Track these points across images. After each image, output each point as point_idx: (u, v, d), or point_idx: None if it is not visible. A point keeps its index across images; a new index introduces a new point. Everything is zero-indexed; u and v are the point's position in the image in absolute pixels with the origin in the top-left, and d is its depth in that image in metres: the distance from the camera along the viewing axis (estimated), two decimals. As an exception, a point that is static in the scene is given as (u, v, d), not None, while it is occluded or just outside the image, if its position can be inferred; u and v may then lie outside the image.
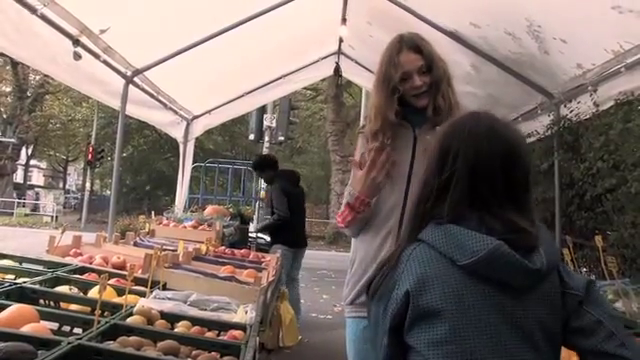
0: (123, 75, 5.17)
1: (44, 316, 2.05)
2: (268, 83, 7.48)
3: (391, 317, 1.44)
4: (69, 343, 1.69)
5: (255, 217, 8.71)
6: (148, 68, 5.39)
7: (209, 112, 7.52)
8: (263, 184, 13.96)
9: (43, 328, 1.91)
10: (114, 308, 2.33)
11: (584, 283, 1.48)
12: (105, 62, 4.73)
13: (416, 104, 2.31)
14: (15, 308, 1.97)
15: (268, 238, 7.52)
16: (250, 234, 7.52)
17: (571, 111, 4.56)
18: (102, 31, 4.32)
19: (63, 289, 2.62)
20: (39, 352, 1.60)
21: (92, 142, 27.23)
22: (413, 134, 2.32)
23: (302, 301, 7.13)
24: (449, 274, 1.40)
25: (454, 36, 4.89)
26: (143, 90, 5.73)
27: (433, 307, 1.37)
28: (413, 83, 2.28)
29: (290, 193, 6.74)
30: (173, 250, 4.06)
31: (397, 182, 2.27)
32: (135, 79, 5.38)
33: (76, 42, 4.08)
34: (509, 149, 1.50)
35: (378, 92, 2.36)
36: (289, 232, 6.68)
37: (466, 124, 1.56)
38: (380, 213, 2.31)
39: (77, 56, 4.10)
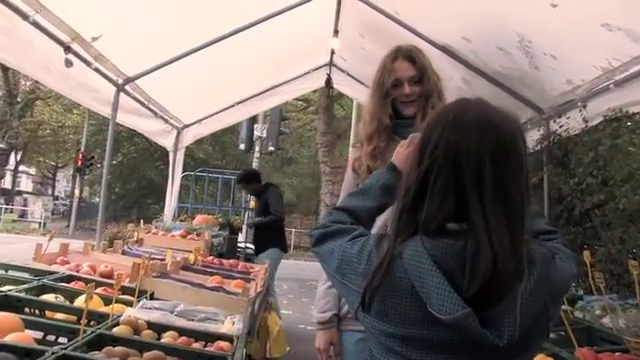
0: (114, 83, 5.16)
1: (29, 325, 2.03)
2: (259, 93, 7.48)
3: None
4: (53, 353, 1.67)
5: (244, 227, 8.69)
6: (139, 76, 5.37)
7: (200, 121, 7.50)
8: (253, 194, 13.94)
9: (27, 337, 1.90)
10: (100, 317, 2.31)
11: None
12: (96, 69, 4.71)
13: (404, 111, 2.38)
14: (-1, 317, 1.95)
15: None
16: (239, 244, 7.50)
17: (561, 126, 4.59)
18: (94, 38, 4.31)
19: (49, 297, 2.59)
20: (23, 362, 1.58)
21: (82, 149, 27.10)
22: None
23: (289, 312, 7.12)
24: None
25: (446, 50, 4.92)
26: (134, 98, 5.72)
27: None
28: (403, 90, 2.35)
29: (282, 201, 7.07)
30: (161, 259, 4.05)
31: None
32: (126, 87, 5.36)
33: (67, 49, 4.07)
34: (502, 141, 1.28)
35: (373, 96, 2.44)
36: (283, 237, 7.06)
37: (451, 110, 1.35)
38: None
39: (69, 63, 4.09)
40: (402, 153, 1.73)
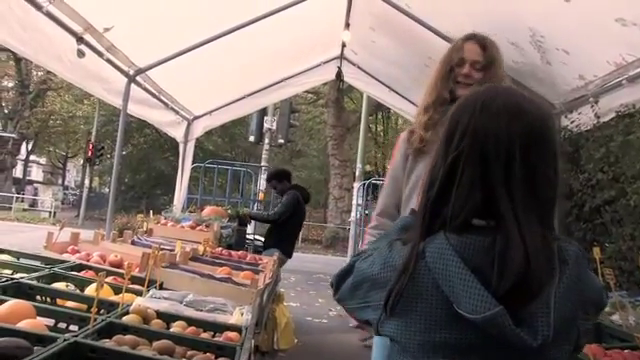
0: (126, 74, 5.18)
1: (40, 312, 2.04)
2: (270, 85, 7.48)
3: None
4: (65, 340, 1.69)
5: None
6: (150, 67, 5.40)
7: (210, 113, 7.51)
8: (261, 185, 13.97)
9: (39, 324, 1.91)
10: (110, 306, 2.33)
11: None
12: (108, 60, 4.74)
13: (457, 91, 2.41)
14: (12, 303, 1.97)
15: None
16: (247, 236, 7.53)
17: (572, 122, 4.56)
18: (106, 29, 4.33)
19: (60, 286, 2.61)
20: (35, 348, 1.60)
21: (92, 139, 27.21)
22: None
23: (297, 305, 7.15)
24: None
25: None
26: (145, 89, 5.75)
27: None
28: (462, 70, 2.42)
29: (299, 206, 7.04)
30: (170, 250, 4.07)
31: None
32: (137, 78, 5.39)
33: (80, 40, 4.10)
34: (533, 129, 1.21)
35: (437, 71, 2.51)
36: (289, 240, 6.95)
37: (480, 97, 1.28)
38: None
39: (81, 54, 4.11)
40: None
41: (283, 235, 6.91)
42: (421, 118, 2.43)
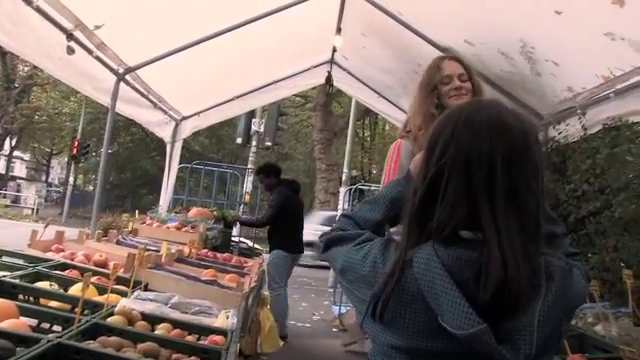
0: (115, 72, 5.15)
1: (23, 312, 2.02)
2: (259, 88, 7.47)
3: None
4: (49, 341, 1.67)
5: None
6: (140, 66, 5.37)
7: (198, 114, 7.48)
8: (248, 187, 13.92)
9: (23, 324, 1.89)
10: (95, 307, 2.31)
11: None
12: (97, 58, 4.70)
13: (453, 104, 2.44)
14: (-5, 302, 1.95)
15: (250, 243, 7.60)
16: (233, 238, 7.50)
17: (559, 133, 4.60)
18: (97, 27, 4.30)
19: (43, 285, 2.58)
20: (17, 349, 1.58)
21: (78, 137, 26.98)
22: None
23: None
24: None
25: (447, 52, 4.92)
26: (134, 88, 5.71)
27: None
28: (454, 84, 2.54)
29: (290, 201, 7.02)
30: (156, 250, 4.04)
31: None
32: (126, 77, 5.35)
33: (70, 36, 4.06)
34: (515, 144, 1.21)
35: (418, 94, 2.62)
36: (289, 238, 6.95)
37: (464, 110, 1.28)
38: None
39: (70, 50, 4.08)
40: (419, 160, 1.64)
41: (282, 234, 6.94)
42: (422, 134, 2.47)
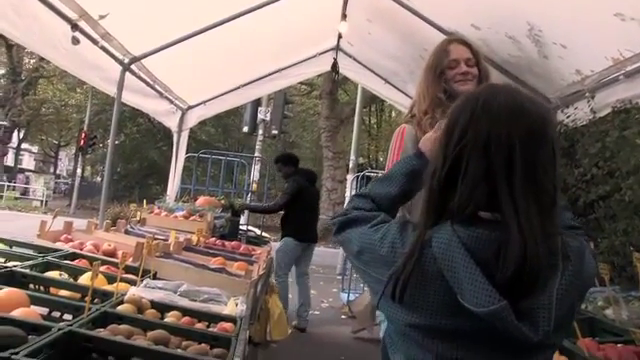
0: (120, 62, 5.13)
1: (34, 301, 2.03)
2: (265, 76, 7.43)
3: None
4: (60, 329, 1.67)
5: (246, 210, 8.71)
6: (145, 56, 5.34)
7: (204, 103, 7.46)
8: (255, 176, 13.93)
9: (34, 313, 1.90)
10: (104, 295, 2.32)
11: None
12: (103, 48, 4.69)
13: (460, 88, 2.44)
14: (5, 292, 1.96)
15: (258, 231, 7.61)
16: (241, 227, 7.52)
17: (568, 117, 4.56)
18: (101, 17, 4.28)
19: (53, 274, 2.60)
20: (29, 337, 1.59)
21: (85, 128, 27.03)
22: None
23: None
24: None
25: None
26: (139, 78, 5.70)
27: None
28: (460, 69, 2.49)
29: (306, 190, 7.04)
30: (164, 239, 4.05)
31: None
32: (132, 66, 5.34)
33: (75, 27, 4.04)
34: (533, 128, 1.24)
35: (425, 77, 2.57)
36: (300, 226, 6.95)
37: (481, 96, 1.31)
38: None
39: (75, 41, 4.06)
40: (429, 138, 1.68)
41: (295, 222, 6.95)
42: (425, 120, 2.45)
